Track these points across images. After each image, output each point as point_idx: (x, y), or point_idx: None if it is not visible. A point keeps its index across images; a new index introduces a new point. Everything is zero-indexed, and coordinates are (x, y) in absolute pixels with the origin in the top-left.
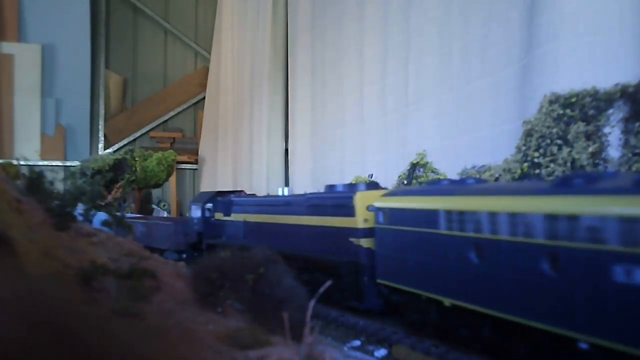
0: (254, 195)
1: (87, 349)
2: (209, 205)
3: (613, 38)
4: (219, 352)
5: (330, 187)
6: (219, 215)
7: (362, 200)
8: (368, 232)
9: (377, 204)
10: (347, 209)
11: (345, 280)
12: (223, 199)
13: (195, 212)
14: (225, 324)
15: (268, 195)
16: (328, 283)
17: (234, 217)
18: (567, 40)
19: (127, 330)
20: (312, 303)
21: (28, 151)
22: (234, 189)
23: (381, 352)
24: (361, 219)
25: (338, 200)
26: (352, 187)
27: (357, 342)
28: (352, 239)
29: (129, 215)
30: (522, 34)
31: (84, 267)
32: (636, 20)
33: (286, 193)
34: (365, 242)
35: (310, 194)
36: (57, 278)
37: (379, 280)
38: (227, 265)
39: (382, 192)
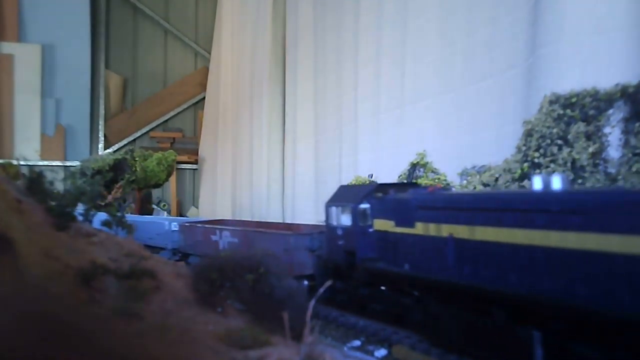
0: (447, 188)
1: (87, 349)
2: (365, 206)
3: (617, 38)
4: (219, 352)
5: None
6: (383, 225)
7: None
8: None
9: None
10: None
11: None
12: (392, 198)
13: (341, 218)
14: (225, 324)
15: (498, 190)
16: (328, 283)
17: (422, 228)
18: (571, 41)
19: (127, 330)
20: (312, 303)
21: (28, 151)
22: (406, 182)
23: (381, 352)
24: None
25: None
26: None
27: (357, 342)
28: None
29: (210, 219)
30: (527, 34)
31: (84, 267)
32: (637, 20)
33: (558, 185)
34: None
35: None
36: (57, 278)
37: None
38: (227, 265)
39: None
